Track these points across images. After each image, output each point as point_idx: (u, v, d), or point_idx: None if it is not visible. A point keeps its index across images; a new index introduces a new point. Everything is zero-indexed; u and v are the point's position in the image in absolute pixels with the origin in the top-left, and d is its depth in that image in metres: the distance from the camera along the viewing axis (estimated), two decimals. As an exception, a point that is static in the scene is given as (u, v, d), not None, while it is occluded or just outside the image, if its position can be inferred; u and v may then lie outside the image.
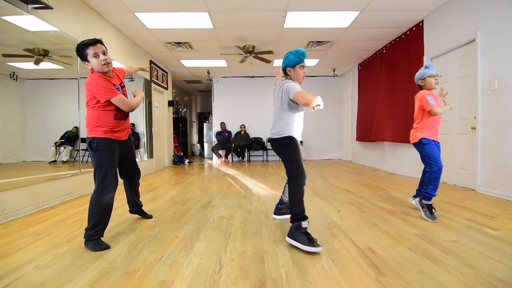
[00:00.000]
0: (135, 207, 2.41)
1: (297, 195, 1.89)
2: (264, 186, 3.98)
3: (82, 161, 5.34)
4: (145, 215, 2.46)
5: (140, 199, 2.47)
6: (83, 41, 1.78)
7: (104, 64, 1.77)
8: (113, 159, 1.88)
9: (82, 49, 1.76)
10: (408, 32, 4.73)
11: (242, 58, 5.69)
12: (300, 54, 2.02)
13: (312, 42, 5.28)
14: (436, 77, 2.41)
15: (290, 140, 1.99)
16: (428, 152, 2.40)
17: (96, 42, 1.78)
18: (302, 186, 1.90)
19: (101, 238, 1.80)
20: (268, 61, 5.59)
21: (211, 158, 9.19)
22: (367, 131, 6.13)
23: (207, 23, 4.39)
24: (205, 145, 10.06)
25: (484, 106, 3.29)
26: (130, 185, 2.33)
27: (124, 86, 1.99)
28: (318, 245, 1.66)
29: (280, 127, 2.03)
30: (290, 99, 1.92)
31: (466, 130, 3.62)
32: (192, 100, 11.55)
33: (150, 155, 6.10)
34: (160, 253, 1.67)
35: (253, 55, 5.55)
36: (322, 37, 5.06)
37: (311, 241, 1.68)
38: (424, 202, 2.37)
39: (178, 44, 5.29)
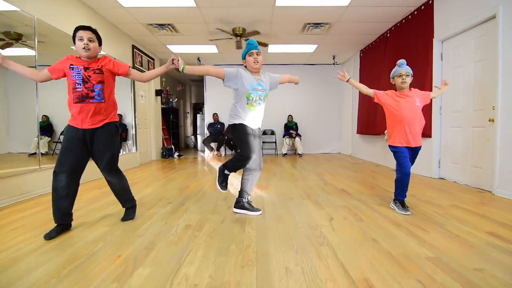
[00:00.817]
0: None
1: (236, 165, 2.30)
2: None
3: (48, 155, 4.93)
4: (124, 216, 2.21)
5: (127, 199, 2.23)
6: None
7: (84, 48, 1.85)
8: (66, 147, 1.89)
9: (73, 32, 1.88)
10: (416, 12, 4.20)
11: (235, 43, 5.16)
12: (247, 43, 2.21)
13: (309, 24, 4.75)
14: (403, 77, 2.32)
15: (233, 127, 2.25)
16: (395, 157, 2.39)
17: (86, 28, 1.89)
18: (243, 163, 2.23)
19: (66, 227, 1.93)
20: (265, 45, 5.05)
21: (204, 151, 8.76)
22: (369, 124, 5.65)
23: (188, 1, 3.87)
24: (199, 137, 9.63)
25: (505, 94, 2.80)
26: (109, 185, 2.16)
27: (95, 70, 1.90)
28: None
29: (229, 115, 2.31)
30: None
31: (482, 122, 3.15)
32: (186, 90, 11.06)
33: (127, 150, 5.67)
34: (83, 285, 1.25)
35: (244, 38, 5.03)
36: (319, 18, 4.53)
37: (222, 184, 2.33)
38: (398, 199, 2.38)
39: (161, 26, 4.78)
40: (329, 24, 4.75)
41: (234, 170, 2.33)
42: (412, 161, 2.39)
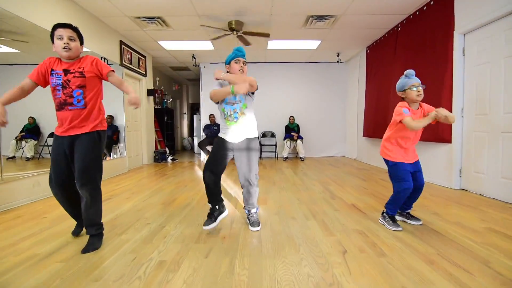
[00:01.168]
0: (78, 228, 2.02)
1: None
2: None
3: (34, 159, 4.53)
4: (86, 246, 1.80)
5: (93, 225, 1.84)
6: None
7: (64, 48, 1.71)
8: (52, 158, 1.81)
9: (51, 31, 1.74)
10: (432, 3, 3.75)
11: (237, 37, 4.71)
12: (235, 49, 2.12)
13: (312, 17, 4.30)
14: (419, 89, 2.05)
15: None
16: (393, 171, 2.21)
17: (66, 26, 1.75)
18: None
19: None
20: (267, 35, 4.58)
21: (200, 154, 8.32)
22: (378, 126, 5.20)
23: (177, -11, 3.44)
24: (195, 139, 9.20)
25: (547, 94, 2.36)
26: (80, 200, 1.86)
27: (75, 73, 1.74)
28: None
29: None
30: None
31: (515, 127, 2.70)
32: (182, 90, 10.63)
33: (118, 154, 5.25)
34: None
35: (241, 33, 4.59)
36: (324, 10, 4.09)
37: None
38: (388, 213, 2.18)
39: (150, 19, 4.35)
40: (334, 17, 4.31)
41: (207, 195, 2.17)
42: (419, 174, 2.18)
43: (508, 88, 2.79)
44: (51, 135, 4.74)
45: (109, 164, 4.74)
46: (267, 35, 4.57)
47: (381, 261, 1.59)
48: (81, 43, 1.81)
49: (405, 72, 2.12)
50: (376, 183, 3.84)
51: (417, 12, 4.07)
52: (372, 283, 1.36)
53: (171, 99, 8.23)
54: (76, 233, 2.00)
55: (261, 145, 7.02)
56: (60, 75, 1.72)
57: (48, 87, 1.79)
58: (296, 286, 1.35)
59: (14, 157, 4.44)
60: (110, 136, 5.15)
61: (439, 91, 3.59)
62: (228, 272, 1.48)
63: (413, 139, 2.16)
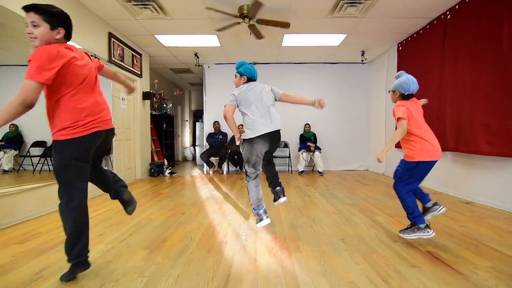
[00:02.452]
0: None
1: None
2: (268, 236, 2.19)
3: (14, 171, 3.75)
4: None
5: None
6: None
7: (30, 39, 1.40)
8: None
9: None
10: (503, -22, 2.90)
11: (248, 27, 3.85)
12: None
13: (344, 0, 3.47)
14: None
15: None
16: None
17: (28, 8, 1.38)
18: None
19: None
20: (286, 25, 3.71)
21: (203, 166, 7.44)
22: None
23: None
24: (197, 149, 8.34)
25: None
26: None
27: None
28: None
29: None
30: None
31: None
32: (184, 95, 9.83)
33: (110, 166, 4.38)
34: None
35: (254, 21, 3.76)
36: (360, -10, 3.26)
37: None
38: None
39: (142, 3, 3.54)
40: (370, 0, 3.47)
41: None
42: None
43: None
44: (35, 144, 3.97)
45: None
46: (286, 25, 3.74)
47: None
48: (54, 26, 1.42)
49: (396, 75, 2.14)
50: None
51: (478, -8, 3.22)
52: None
53: (171, 105, 7.40)
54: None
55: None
56: None
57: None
58: None
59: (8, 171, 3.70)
60: None
61: (508, 91, 2.72)
62: None
63: None
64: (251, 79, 2.44)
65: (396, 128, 1.99)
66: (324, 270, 1.62)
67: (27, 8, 1.38)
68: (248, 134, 2.28)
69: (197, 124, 8.41)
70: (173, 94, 8.36)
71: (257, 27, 3.87)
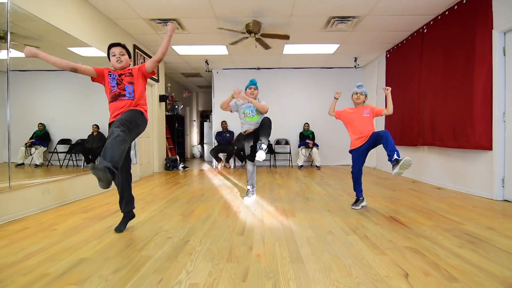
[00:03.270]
0: None
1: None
2: (271, 208, 2.85)
3: (43, 166, 4.37)
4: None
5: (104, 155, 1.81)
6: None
7: (117, 61, 2.17)
8: None
9: (108, 49, 2.21)
10: (465, 1, 3.54)
11: (255, 40, 4.54)
12: (250, 82, 3.36)
13: (335, 18, 4.12)
14: (357, 94, 2.95)
15: None
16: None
17: (117, 45, 2.21)
18: None
19: None
20: (286, 37, 4.37)
21: (211, 162, 8.11)
22: (403, 132, 4.93)
23: (197, -12, 3.30)
24: (205, 146, 9.01)
25: None
26: None
27: (125, 75, 2.15)
28: None
29: None
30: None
31: None
32: (192, 97, 10.52)
33: (138, 159, 5.06)
34: None
35: (259, 35, 4.42)
36: (347, 11, 3.91)
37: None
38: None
39: (165, 22, 4.22)
40: (357, 18, 4.12)
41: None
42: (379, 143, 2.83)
43: None
44: (61, 141, 4.60)
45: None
46: (286, 37, 4.39)
47: (454, 286, 1.32)
48: (130, 56, 2.26)
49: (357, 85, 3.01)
50: (408, 193, 3.54)
51: (446, 12, 3.85)
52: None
53: (182, 106, 8.08)
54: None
55: (275, 152, 6.78)
56: (115, 75, 2.13)
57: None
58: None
59: (23, 164, 4.29)
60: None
61: (472, 95, 3.34)
62: (275, 301, 1.22)
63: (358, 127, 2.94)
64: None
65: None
66: (311, 225, 2.27)
67: (117, 44, 2.20)
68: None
69: (205, 123, 9.07)
70: (182, 96, 9.04)
71: (263, 39, 4.53)
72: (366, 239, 1.97)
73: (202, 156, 10.19)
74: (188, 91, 9.71)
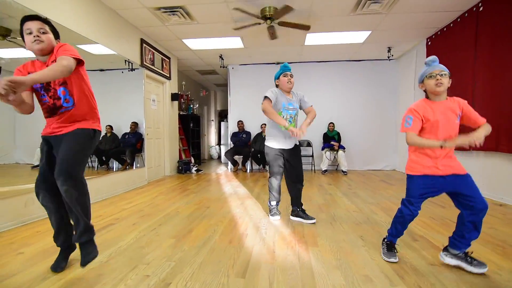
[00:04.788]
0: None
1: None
2: (287, 231, 2.27)
3: None
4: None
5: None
6: None
7: (35, 41, 1.45)
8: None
9: (20, 26, 1.48)
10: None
11: (267, 29, 3.98)
12: (283, 66, 2.45)
13: (366, -3, 3.44)
14: (437, 77, 1.52)
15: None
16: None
17: (34, 18, 1.47)
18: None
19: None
20: (307, 27, 3.76)
21: (228, 164, 7.67)
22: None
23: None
24: (222, 147, 8.59)
25: None
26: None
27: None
28: None
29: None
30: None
31: None
32: (210, 96, 10.15)
33: (142, 163, 4.71)
34: None
35: (276, 22, 3.84)
36: (383, -14, 3.21)
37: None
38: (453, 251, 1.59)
39: (171, 10, 3.78)
40: (395, -5, 3.40)
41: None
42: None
43: None
44: None
45: (127, 176, 4.19)
46: (306, 28, 3.78)
47: None
48: (56, 36, 1.56)
49: (425, 60, 1.63)
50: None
51: (515, -19, 3.03)
52: None
53: (197, 105, 7.71)
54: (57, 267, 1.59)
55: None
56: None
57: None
58: None
59: (38, 165, 4.12)
60: (134, 144, 4.68)
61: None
62: None
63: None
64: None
65: None
66: (339, 264, 1.67)
67: (33, 17, 1.48)
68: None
69: (222, 123, 8.65)
70: (199, 95, 8.68)
71: (275, 28, 3.94)
72: (422, 294, 1.34)
73: (220, 157, 9.79)
74: (206, 90, 9.34)
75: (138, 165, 4.71)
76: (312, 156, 6.13)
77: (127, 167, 4.52)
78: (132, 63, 4.31)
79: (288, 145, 2.49)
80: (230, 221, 2.52)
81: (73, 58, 1.42)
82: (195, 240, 2.06)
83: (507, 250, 1.86)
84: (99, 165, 4.52)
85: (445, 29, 4.35)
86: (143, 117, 4.67)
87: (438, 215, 2.68)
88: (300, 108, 2.59)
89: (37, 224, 2.47)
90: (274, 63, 6.38)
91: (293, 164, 2.50)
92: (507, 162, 3.22)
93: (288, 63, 6.40)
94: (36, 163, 4.11)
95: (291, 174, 2.52)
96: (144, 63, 4.59)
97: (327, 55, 5.90)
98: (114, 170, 4.40)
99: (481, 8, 3.53)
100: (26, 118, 3.69)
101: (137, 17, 4.03)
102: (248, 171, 6.20)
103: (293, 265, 1.65)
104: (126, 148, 4.58)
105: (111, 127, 4.55)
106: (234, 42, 5.06)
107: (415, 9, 3.80)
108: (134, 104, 4.66)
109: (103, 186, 3.54)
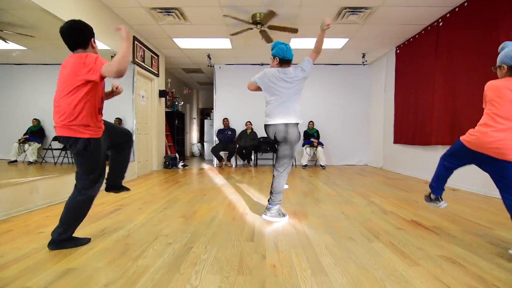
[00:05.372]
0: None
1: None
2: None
3: (36, 163, 4.12)
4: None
5: None
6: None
7: None
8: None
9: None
10: (488, -10, 3.31)
11: (260, 32, 4.30)
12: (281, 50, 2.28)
13: (346, 9, 3.89)
14: None
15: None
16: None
17: None
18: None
19: None
20: (294, 30, 4.14)
21: (212, 160, 7.88)
22: (416, 132, 4.70)
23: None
24: (205, 145, 8.77)
25: None
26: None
27: None
28: None
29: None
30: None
31: None
32: (192, 94, 10.27)
33: (135, 157, 4.81)
34: None
35: (265, 27, 4.18)
36: (361, 0, 3.68)
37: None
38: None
39: (167, 11, 3.98)
40: (370, 8, 3.89)
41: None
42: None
43: None
44: (56, 138, 4.40)
45: (117, 169, 4.29)
46: (294, 31, 4.16)
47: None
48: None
49: (502, 45, 1.70)
50: (423, 195, 3.31)
51: (465, 3, 3.63)
52: None
53: (182, 102, 7.84)
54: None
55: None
56: None
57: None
58: None
59: (16, 161, 4.05)
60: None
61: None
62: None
63: None
64: (283, 59, 2.26)
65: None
66: (328, 230, 2.04)
67: None
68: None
69: (206, 121, 8.83)
70: (182, 93, 8.80)
71: (268, 32, 4.29)
72: (392, 246, 1.74)
73: (202, 155, 9.95)
74: (189, 88, 9.46)
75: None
76: (294, 152, 6.55)
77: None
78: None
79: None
80: (228, 205, 2.82)
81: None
82: (201, 218, 2.34)
83: (456, 219, 2.35)
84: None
85: (411, 39, 4.96)
86: (128, 113, 4.71)
87: (403, 197, 3.17)
88: (306, 71, 2.37)
89: (47, 209, 2.59)
90: (258, 64, 6.72)
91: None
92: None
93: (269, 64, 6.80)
94: (13, 158, 4.09)
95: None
96: (136, 59, 4.72)
97: (308, 58, 6.35)
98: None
99: (441, 24, 4.14)
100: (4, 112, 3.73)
101: (132, 16, 4.17)
102: (233, 166, 6.48)
103: (291, 232, 2.00)
104: (110, 145, 4.63)
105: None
106: (223, 43, 5.33)
107: (387, 22, 4.33)
108: (119, 99, 4.73)
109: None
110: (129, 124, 4.80)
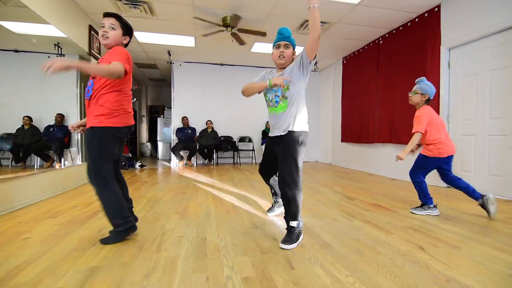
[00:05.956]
0: None
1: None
2: (266, 202, 2.87)
3: None
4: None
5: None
6: None
7: (102, 36, 1.72)
8: None
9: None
10: (417, 20, 4.15)
11: (231, 35, 4.44)
12: (278, 31, 1.95)
13: (308, 21, 4.35)
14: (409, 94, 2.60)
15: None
16: None
17: (109, 15, 1.73)
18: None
19: None
20: (263, 34, 4.41)
21: (167, 160, 7.65)
22: (361, 132, 5.48)
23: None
24: (159, 144, 8.43)
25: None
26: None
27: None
28: None
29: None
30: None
31: (500, 130, 3.10)
32: (141, 90, 9.70)
33: (70, 160, 4.38)
34: None
35: (235, 30, 4.37)
36: (323, 16, 4.17)
37: None
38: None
39: (133, 4, 3.82)
40: (328, 24, 4.44)
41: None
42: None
43: (493, 96, 3.20)
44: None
45: (70, 172, 3.93)
46: (263, 34, 4.45)
47: (466, 254, 1.57)
48: (126, 33, 1.79)
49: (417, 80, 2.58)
50: (372, 184, 3.98)
51: (401, 28, 4.46)
52: (482, 275, 1.32)
53: (135, 99, 7.40)
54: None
55: (238, 150, 6.77)
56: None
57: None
58: (421, 286, 1.22)
59: None
60: (61, 138, 4.24)
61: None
62: (336, 282, 1.27)
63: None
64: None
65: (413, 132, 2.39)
66: (314, 215, 2.38)
67: (110, 14, 1.72)
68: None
69: (159, 119, 8.49)
70: (131, 88, 8.26)
71: (239, 34, 4.48)
72: (368, 223, 2.17)
73: (153, 155, 9.49)
74: (138, 84, 8.92)
75: (66, 162, 4.31)
76: (253, 150, 6.87)
77: (53, 164, 4.07)
78: (61, 48, 3.96)
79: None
80: (214, 200, 2.94)
81: (123, 66, 1.58)
82: (196, 213, 2.43)
83: (403, 200, 2.96)
84: (13, 162, 4.02)
85: (356, 52, 5.76)
86: (71, 108, 4.29)
87: (359, 187, 3.76)
88: (304, 70, 1.89)
89: (6, 216, 2.31)
90: (218, 64, 6.82)
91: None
92: (397, 149, 4.66)
93: (232, 65, 7.02)
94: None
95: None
96: (92, 51, 4.35)
97: (267, 63, 6.74)
98: (35, 167, 3.91)
99: (381, 42, 4.95)
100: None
101: (91, 3, 3.87)
102: (194, 165, 6.45)
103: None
104: (52, 143, 4.14)
105: (30, 118, 3.99)
106: (186, 41, 5.29)
107: (337, 35, 4.97)
108: (60, 93, 4.27)
109: (57, 180, 3.33)
110: (73, 120, 4.32)
